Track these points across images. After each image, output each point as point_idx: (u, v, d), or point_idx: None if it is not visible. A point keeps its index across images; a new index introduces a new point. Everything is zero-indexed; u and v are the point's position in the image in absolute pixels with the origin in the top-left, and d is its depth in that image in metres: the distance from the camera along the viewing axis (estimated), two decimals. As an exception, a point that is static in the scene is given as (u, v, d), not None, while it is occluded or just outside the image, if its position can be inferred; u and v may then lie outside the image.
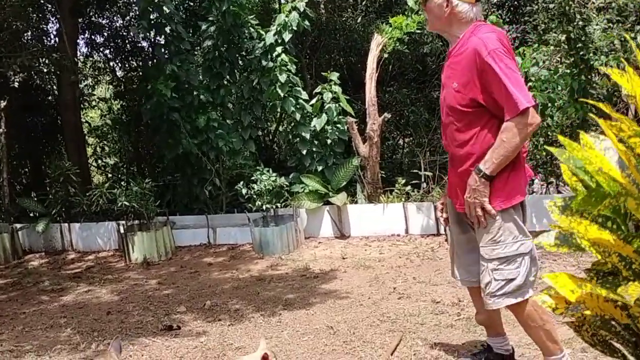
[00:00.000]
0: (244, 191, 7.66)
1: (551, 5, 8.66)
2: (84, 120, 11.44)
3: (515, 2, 10.36)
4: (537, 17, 8.61)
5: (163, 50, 8.83)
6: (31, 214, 8.94)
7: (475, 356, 3.52)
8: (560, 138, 1.47)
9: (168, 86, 8.13)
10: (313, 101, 8.28)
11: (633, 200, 1.16)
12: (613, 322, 1.36)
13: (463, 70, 2.89)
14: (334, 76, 8.22)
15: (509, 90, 2.70)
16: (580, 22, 6.64)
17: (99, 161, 12.38)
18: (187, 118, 8.48)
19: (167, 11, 8.34)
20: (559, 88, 6.98)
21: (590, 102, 1.37)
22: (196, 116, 8.41)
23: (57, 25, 10.18)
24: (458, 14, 2.94)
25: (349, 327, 4.43)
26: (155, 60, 10.83)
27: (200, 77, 8.84)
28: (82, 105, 11.18)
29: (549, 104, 6.93)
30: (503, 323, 3.45)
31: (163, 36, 8.73)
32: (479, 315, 3.41)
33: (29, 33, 10.30)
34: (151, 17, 8.52)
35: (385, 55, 8.06)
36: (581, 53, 6.72)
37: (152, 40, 10.59)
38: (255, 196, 7.53)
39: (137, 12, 10.32)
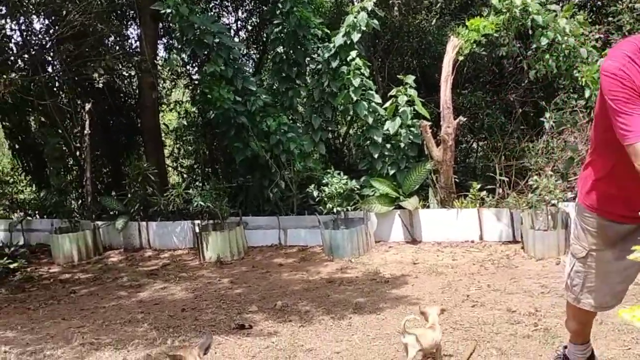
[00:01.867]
0: (314, 194, 7.69)
1: (637, 5, 8.24)
2: (162, 123, 11.82)
3: (599, 2, 9.93)
4: (622, 17, 8.22)
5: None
6: (111, 212, 9.32)
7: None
8: None
9: (229, 91, 8.26)
10: (387, 104, 8.20)
11: None
12: None
13: None
14: (410, 79, 8.12)
15: None
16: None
17: (176, 162, 12.76)
18: (253, 121, 8.59)
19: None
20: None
21: None
22: (260, 119, 8.50)
23: (138, 29, 10.58)
24: None
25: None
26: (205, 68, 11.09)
27: (269, 80, 8.92)
28: (160, 108, 11.56)
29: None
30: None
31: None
32: (571, 323, 3.20)
33: (112, 38, 10.74)
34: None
35: (461, 58, 7.89)
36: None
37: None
38: (325, 199, 7.54)
39: (215, 16, 10.57)
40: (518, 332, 4.19)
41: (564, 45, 7.23)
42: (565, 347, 3.34)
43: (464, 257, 6.69)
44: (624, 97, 2.41)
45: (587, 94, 7.17)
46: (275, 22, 8.89)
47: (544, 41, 7.19)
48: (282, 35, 8.84)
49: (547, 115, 7.41)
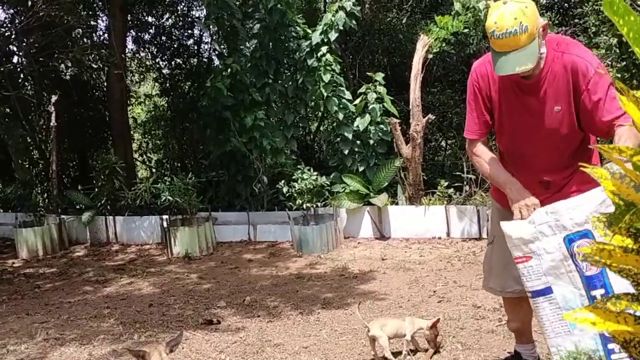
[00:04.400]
0: (284, 190, 7.70)
1: (602, 8, 8.45)
2: (130, 116, 11.69)
3: (565, 4, 10.13)
4: (588, 19, 8.40)
5: (220, 47, 8.95)
6: (77, 206, 9.18)
7: None
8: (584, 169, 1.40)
9: (225, 84, 8.26)
10: (357, 101, 8.27)
11: None
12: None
13: (561, 91, 2.73)
14: (379, 76, 8.19)
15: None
16: (634, 25, 6.44)
17: (144, 156, 12.65)
18: (236, 116, 8.58)
19: (233, 8, 8.45)
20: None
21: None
22: (245, 114, 8.50)
23: (107, 21, 10.43)
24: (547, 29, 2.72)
25: (387, 329, 4.40)
26: (200, 57, 11.03)
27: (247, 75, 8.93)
28: (128, 102, 11.43)
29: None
30: (533, 331, 3.40)
31: (221, 32, 8.84)
32: (512, 323, 3.36)
33: (80, 30, 10.57)
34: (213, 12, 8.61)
35: (431, 56, 7.99)
36: (633, 57, 6.53)
37: (199, 38, 10.75)
38: (295, 195, 7.56)
39: (184, 10, 10.49)
40: (483, 327, 4.27)
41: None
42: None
43: (431, 253, 6.78)
44: (470, 95, 3.01)
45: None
46: (257, 16, 8.85)
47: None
48: (261, 31, 8.81)
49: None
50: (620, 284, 2.29)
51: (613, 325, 1.16)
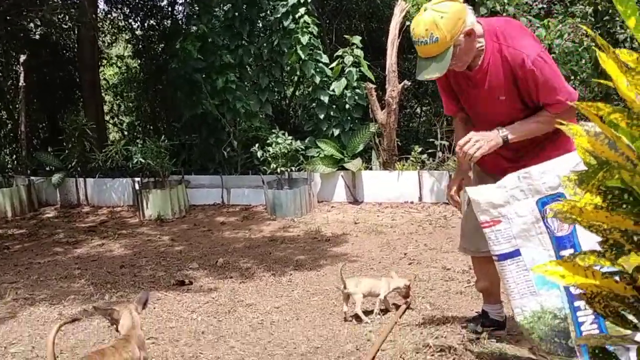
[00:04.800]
0: (259, 154, 7.66)
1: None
2: (101, 78, 11.44)
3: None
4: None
5: (192, 8, 8.75)
6: (47, 168, 9.02)
7: (471, 321, 3.55)
8: (560, 125, 1.41)
9: (195, 46, 8.11)
10: (333, 65, 8.19)
11: (626, 172, 1.13)
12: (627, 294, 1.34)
13: (502, 81, 2.85)
14: (357, 40, 8.12)
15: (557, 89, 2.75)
16: (609, -6, 6.49)
17: (115, 119, 12.42)
18: (208, 79, 8.44)
19: None
20: (583, 61, 6.84)
21: (608, 83, 1.33)
22: (217, 77, 8.37)
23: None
24: (477, 32, 2.81)
25: (359, 290, 4.45)
26: (173, 19, 10.79)
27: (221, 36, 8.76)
28: (100, 63, 11.17)
29: (572, 77, 6.81)
30: (501, 292, 3.48)
31: None
32: (480, 282, 3.43)
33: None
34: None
35: (408, 22, 7.92)
36: (608, 26, 6.57)
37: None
38: (270, 159, 7.52)
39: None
40: (451, 289, 4.34)
41: (503, 15, 7.35)
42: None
43: (403, 217, 6.84)
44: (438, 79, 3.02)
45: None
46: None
47: (483, 11, 7.29)
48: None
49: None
50: (589, 244, 2.35)
51: (581, 279, 1.18)
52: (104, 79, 12.21)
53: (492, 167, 3.13)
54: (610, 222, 1.19)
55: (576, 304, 2.48)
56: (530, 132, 2.85)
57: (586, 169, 1.31)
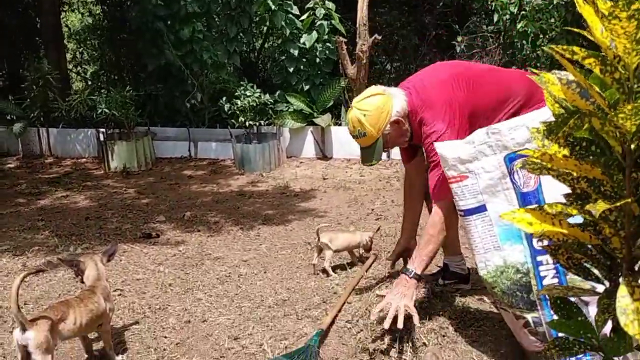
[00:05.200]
0: (226, 106, 7.55)
1: None
2: (63, 24, 11.03)
3: None
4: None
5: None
6: (8, 117, 8.75)
7: (432, 276, 3.63)
8: (531, 75, 1.43)
9: None
10: (304, 17, 8.04)
11: (597, 120, 1.15)
12: (589, 246, 1.37)
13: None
14: (328, -9, 7.96)
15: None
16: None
17: (79, 67, 12.06)
18: (171, 28, 8.19)
19: None
20: (552, 19, 6.86)
21: (583, 32, 1.33)
22: (181, 27, 8.12)
23: None
24: (403, 117, 3.01)
25: (326, 244, 4.49)
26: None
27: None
28: (62, 8, 10.75)
29: (541, 35, 6.83)
30: (461, 244, 3.59)
31: None
32: None
33: None
34: None
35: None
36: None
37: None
38: (238, 112, 7.43)
39: None
40: (417, 244, 4.41)
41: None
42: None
43: (371, 173, 6.88)
44: None
45: (495, 18, 7.34)
46: None
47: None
48: None
49: (459, 39, 7.55)
50: (554, 200, 2.40)
51: (548, 226, 1.20)
52: (66, 25, 11.78)
53: None
54: (579, 171, 1.21)
55: (538, 258, 2.54)
56: (431, 251, 2.92)
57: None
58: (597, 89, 1.14)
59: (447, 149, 2.75)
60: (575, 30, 1.46)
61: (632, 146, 1.13)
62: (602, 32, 1.13)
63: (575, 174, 1.21)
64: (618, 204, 1.09)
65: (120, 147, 7.42)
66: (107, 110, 7.45)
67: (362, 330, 3.10)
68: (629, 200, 1.11)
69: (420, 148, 3.34)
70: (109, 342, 2.88)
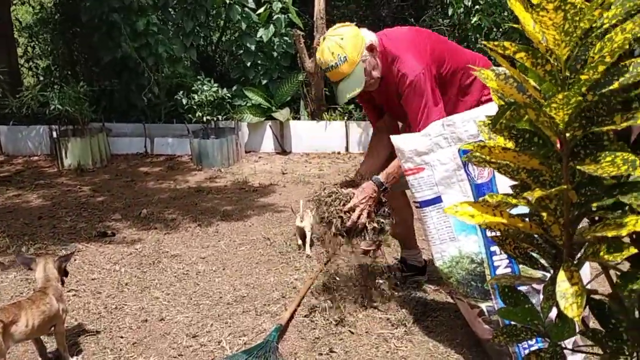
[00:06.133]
0: (183, 101, 7.45)
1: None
2: (13, 17, 10.69)
3: None
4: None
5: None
6: (-45, 114, 8.45)
7: (390, 268, 3.68)
8: (474, 70, 1.45)
9: None
10: (260, 10, 7.98)
11: (532, 112, 1.18)
12: (536, 236, 1.40)
13: (394, 95, 3.06)
14: (284, -15, 7.92)
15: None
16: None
17: (30, 62, 11.71)
18: (127, 20, 8.01)
19: None
20: (506, 13, 6.99)
21: (517, 27, 1.36)
22: (136, 19, 7.96)
23: None
24: (377, 47, 2.99)
25: (285, 239, 4.50)
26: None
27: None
28: (12, 1, 10.43)
29: (494, 29, 6.95)
30: (417, 238, 3.67)
31: None
32: (395, 228, 3.57)
33: None
34: None
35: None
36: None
37: None
38: (195, 107, 7.34)
39: None
40: (376, 237, 4.44)
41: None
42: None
43: (330, 167, 6.90)
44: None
45: (450, 12, 7.44)
46: None
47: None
48: None
49: (416, 32, 7.61)
50: (507, 190, 2.46)
51: (489, 217, 1.23)
52: (17, 18, 11.42)
53: None
54: (517, 162, 1.24)
55: (492, 248, 2.60)
56: (397, 167, 2.97)
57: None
58: (532, 82, 1.17)
59: (404, 142, 2.78)
60: (514, 25, 1.49)
61: (567, 135, 1.16)
62: (534, 26, 1.16)
63: (513, 166, 1.24)
64: (554, 190, 1.12)
65: (74, 144, 7.25)
66: (60, 107, 7.25)
67: (320, 325, 3.12)
68: (566, 187, 1.14)
69: (382, 109, 3.38)
70: (63, 343, 2.82)
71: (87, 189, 6.34)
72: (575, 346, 2.13)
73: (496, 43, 1.20)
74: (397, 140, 2.81)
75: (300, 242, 4.26)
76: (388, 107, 3.29)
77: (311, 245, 4.20)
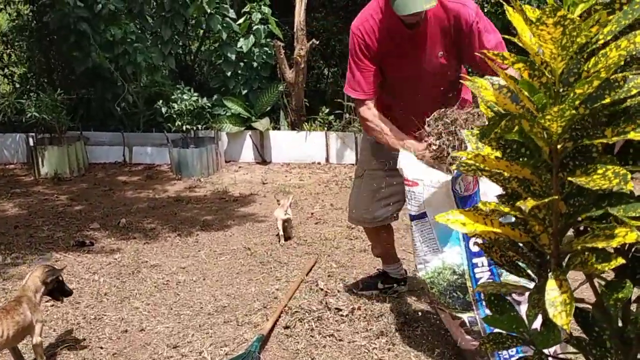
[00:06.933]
0: (163, 110, 7.40)
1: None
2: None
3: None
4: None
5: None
6: None
7: (371, 279, 3.69)
8: (465, 80, 1.48)
9: None
10: (241, 20, 7.99)
11: (526, 122, 1.21)
12: (521, 245, 1.43)
13: (440, 37, 2.84)
14: (264, -4, 7.94)
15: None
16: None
17: (6, 70, 11.55)
18: (97, 29, 7.92)
19: None
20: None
21: (512, 39, 1.40)
22: (106, 27, 7.87)
23: None
24: None
25: (266, 249, 4.49)
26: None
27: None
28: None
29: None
30: (398, 250, 3.71)
31: None
32: (375, 249, 3.64)
33: None
34: None
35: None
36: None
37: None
38: (174, 116, 7.30)
39: None
40: (355, 247, 4.46)
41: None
42: None
43: (310, 177, 6.90)
44: (358, 55, 3.06)
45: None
46: None
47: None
48: None
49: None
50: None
51: (481, 226, 1.25)
52: (-8, 25, 11.29)
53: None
54: (510, 171, 1.26)
55: (474, 260, 2.63)
56: None
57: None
58: (526, 92, 1.20)
59: (408, 159, 2.80)
60: (506, 37, 1.53)
61: (559, 147, 1.19)
62: (531, 38, 1.19)
63: (506, 174, 1.27)
64: (546, 200, 1.14)
65: (51, 153, 7.16)
66: (36, 114, 7.16)
67: (302, 336, 3.12)
68: (556, 197, 1.17)
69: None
70: (41, 354, 2.78)
71: (65, 198, 6.25)
72: (556, 354, 2.17)
73: (495, 53, 1.23)
74: (403, 155, 2.82)
75: (282, 232, 4.57)
76: (415, 64, 2.92)
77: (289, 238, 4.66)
